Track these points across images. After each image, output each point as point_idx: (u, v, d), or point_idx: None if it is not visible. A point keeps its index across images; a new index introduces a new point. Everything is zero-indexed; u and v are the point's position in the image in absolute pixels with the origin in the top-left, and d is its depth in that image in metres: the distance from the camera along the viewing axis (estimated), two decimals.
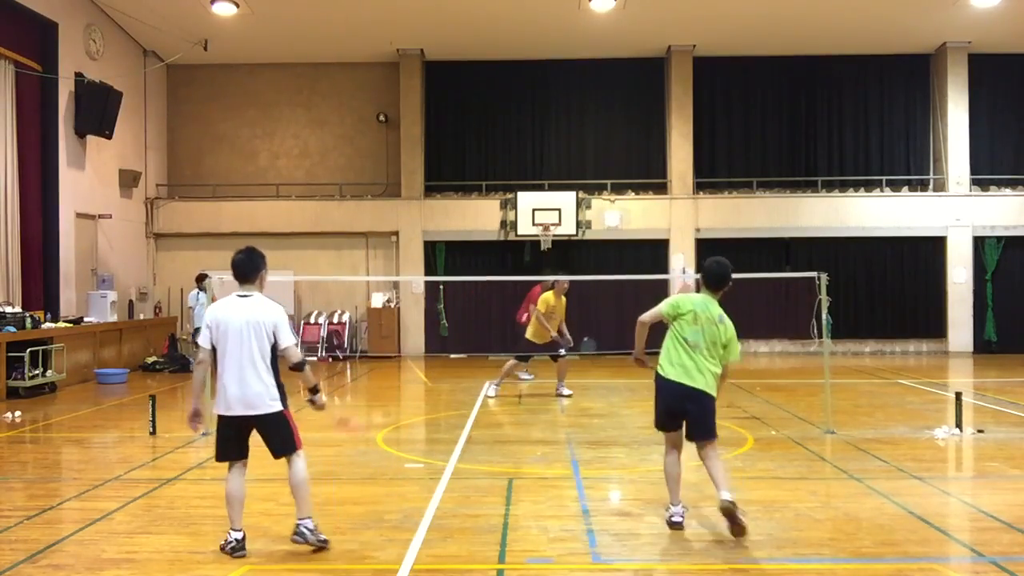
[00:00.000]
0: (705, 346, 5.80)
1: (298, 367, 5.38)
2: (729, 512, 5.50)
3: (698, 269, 18.79)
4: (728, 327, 5.91)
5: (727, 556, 5.20)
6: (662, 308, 6.05)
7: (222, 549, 5.30)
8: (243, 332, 5.30)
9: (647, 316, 6.12)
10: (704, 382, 5.77)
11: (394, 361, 18.16)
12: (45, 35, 15.56)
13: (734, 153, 19.82)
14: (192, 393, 5.44)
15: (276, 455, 5.45)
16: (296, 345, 5.52)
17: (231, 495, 5.32)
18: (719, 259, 6.09)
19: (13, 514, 6.22)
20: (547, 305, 12.00)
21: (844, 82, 19.73)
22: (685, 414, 5.82)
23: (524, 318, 13.48)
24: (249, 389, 5.28)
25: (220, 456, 5.42)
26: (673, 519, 5.80)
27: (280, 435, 5.38)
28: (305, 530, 5.31)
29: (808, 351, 18.60)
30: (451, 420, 10.48)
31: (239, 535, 5.29)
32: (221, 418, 5.34)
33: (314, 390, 5.50)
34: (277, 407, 5.34)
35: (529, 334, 12.26)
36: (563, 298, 12.25)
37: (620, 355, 17.91)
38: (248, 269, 5.49)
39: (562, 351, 12.27)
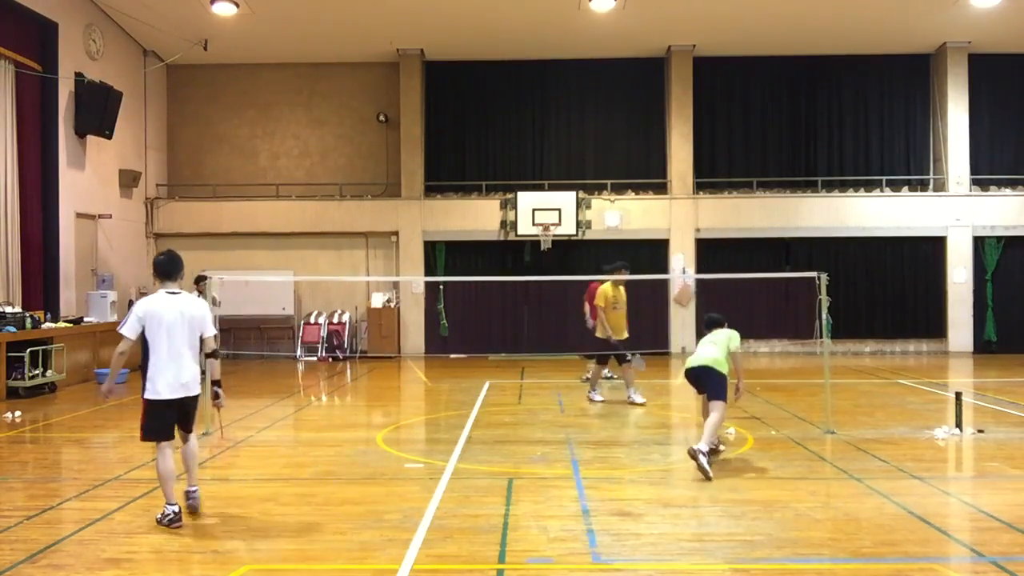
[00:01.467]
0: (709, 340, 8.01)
1: (214, 354, 6.28)
2: (691, 455, 7.27)
3: (698, 269, 18.94)
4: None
5: (727, 556, 5.20)
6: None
7: (159, 523, 5.84)
8: (179, 324, 5.98)
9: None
10: (703, 360, 7.78)
11: (394, 361, 18.16)
12: (45, 35, 15.56)
13: (734, 153, 19.82)
14: (113, 375, 6.09)
15: (188, 430, 6.23)
16: (216, 338, 6.41)
17: (168, 472, 5.95)
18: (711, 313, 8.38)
19: (13, 514, 6.22)
20: (606, 298, 11.33)
21: (844, 82, 19.74)
22: (698, 384, 7.93)
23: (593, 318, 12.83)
24: (187, 374, 6.02)
25: (153, 436, 6.03)
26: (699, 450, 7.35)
27: (194, 413, 6.27)
28: (197, 497, 6.14)
29: (808, 351, 18.60)
30: (451, 420, 10.47)
31: (176, 508, 5.88)
32: (157, 403, 5.94)
33: (218, 384, 6.35)
34: (199, 389, 6.22)
35: (599, 333, 11.54)
36: (622, 288, 11.60)
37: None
38: (172, 268, 6.14)
39: (628, 356, 11.51)
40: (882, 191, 19.46)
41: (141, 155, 18.98)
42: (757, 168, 19.67)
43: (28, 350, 12.56)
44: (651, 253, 19.21)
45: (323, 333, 18.64)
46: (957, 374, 15.76)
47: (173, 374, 5.90)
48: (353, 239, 19.48)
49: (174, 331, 5.93)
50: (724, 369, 7.77)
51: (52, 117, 15.68)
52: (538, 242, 18.63)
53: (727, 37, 18.65)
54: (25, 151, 15.11)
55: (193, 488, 6.18)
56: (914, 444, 8.66)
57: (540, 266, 18.78)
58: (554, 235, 18.51)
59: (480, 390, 13.06)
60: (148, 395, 5.92)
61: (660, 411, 11.25)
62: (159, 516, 5.91)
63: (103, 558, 5.24)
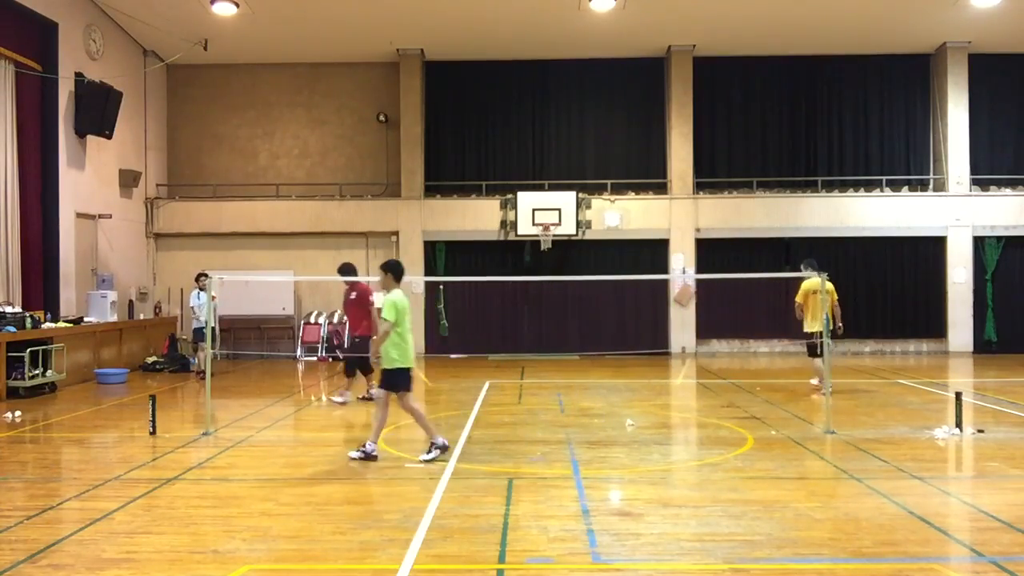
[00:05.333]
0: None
1: None
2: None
3: (698, 269, 18.93)
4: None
5: (727, 556, 5.20)
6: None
7: None
8: None
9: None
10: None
11: None
12: (45, 35, 15.56)
13: (734, 153, 19.82)
14: None
15: None
16: None
17: None
18: (395, 259, 8.38)
19: (13, 514, 6.22)
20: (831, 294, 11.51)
21: (844, 82, 19.73)
22: None
23: (362, 327, 11.56)
24: None
25: None
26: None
27: None
28: None
29: None
30: (451, 420, 10.47)
31: None
32: None
33: None
34: None
35: (813, 327, 11.97)
36: None
37: (620, 355, 17.95)
38: None
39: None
40: (882, 191, 19.46)
41: (141, 155, 18.97)
42: (757, 168, 19.67)
43: (28, 350, 12.55)
44: (651, 253, 19.21)
45: (323, 333, 18.64)
46: (957, 374, 15.76)
47: None
48: (353, 239, 19.47)
49: None
50: (390, 362, 7.92)
51: (52, 117, 15.67)
52: (538, 242, 18.63)
53: (727, 37, 18.64)
54: (25, 151, 15.11)
55: None
56: (914, 444, 8.65)
57: (540, 266, 18.77)
58: (554, 235, 18.50)
59: (480, 390, 13.06)
60: None
61: (660, 411, 11.25)
62: None
63: (103, 558, 5.24)
